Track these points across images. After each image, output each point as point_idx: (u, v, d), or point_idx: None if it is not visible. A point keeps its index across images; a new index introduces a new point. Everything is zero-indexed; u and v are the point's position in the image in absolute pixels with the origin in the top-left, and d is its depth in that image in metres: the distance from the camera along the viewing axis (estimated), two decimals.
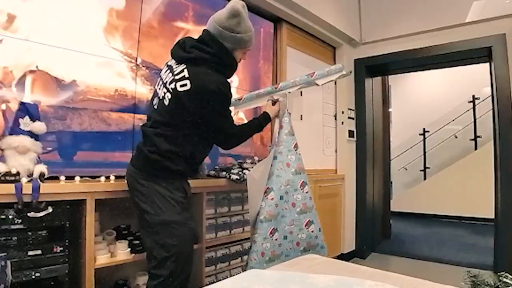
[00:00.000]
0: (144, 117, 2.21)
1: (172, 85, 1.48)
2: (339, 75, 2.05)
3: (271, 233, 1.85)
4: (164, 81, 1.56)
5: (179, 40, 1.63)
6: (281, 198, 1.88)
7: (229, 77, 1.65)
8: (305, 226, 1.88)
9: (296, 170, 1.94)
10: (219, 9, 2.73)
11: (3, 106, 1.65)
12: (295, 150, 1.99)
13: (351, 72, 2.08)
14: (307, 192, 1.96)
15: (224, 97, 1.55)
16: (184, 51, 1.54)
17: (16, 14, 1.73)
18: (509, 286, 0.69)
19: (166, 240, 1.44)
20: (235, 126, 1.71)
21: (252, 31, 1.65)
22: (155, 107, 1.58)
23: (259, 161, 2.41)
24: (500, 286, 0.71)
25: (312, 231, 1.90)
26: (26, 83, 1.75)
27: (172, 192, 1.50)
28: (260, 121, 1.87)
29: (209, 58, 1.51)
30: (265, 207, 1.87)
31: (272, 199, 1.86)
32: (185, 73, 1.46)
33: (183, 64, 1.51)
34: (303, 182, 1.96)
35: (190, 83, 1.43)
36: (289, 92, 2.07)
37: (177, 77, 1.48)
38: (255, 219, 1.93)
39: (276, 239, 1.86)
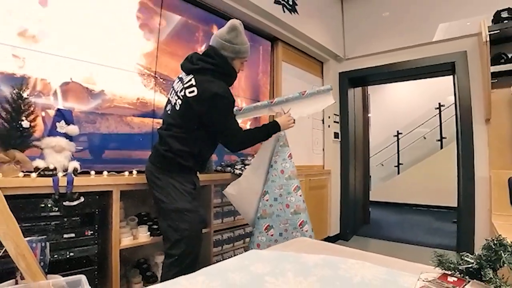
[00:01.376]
0: (161, 120, 2.22)
1: (182, 93, 1.51)
2: (327, 96, 1.96)
3: (266, 228, 1.87)
4: (176, 90, 1.58)
5: (187, 56, 1.63)
6: (275, 199, 1.86)
7: (229, 85, 1.63)
8: (299, 225, 1.83)
9: (290, 176, 1.88)
10: None
11: (43, 113, 1.65)
12: (290, 159, 1.92)
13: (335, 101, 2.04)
14: (300, 195, 1.88)
15: (226, 100, 1.53)
16: (191, 63, 1.56)
17: (53, 35, 1.73)
18: (469, 264, 0.68)
19: (179, 225, 1.46)
20: (239, 127, 1.64)
21: (248, 44, 1.64)
22: (169, 112, 1.61)
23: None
24: (461, 264, 0.70)
25: (306, 231, 1.83)
26: (62, 92, 1.75)
27: (184, 184, 1.52)
28: (269, 128, 1.79)
29: (213, 68, 1.53)
30: (261, 206, 1.89)
31: (267, 200, 1.87)
32: (193, 82, 1.49)
33: (191, 75, 1.53)
34: (296, 186, 1.88)
35: (197, 89, 1.46)
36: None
37: (186, 85, 1.50)
38: (252, 221, 1.97)
39: (272, 235, 1.86)
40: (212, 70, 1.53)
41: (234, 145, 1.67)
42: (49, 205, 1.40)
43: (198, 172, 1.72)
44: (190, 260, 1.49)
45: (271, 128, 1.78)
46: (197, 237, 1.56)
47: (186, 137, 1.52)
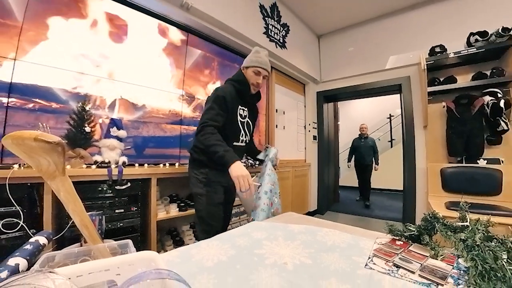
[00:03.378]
0: (187, 127, 2.21)
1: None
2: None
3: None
4: None
5: None
6: (266, 193, 1.36)
7: (238, 90, 1.35)
8: None
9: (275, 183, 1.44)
10: (235, 61, 2.72)
11: (100, 121, 1.65)
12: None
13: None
14: (279, 204, 1.45)
15: (214, 92, 1.30)
16: None
17: (110, 65, 1.73)
18: (411, 232, 0.68)
19: (196, 206, 1.36)
20: (207, 122, 1.21)
21: (262, 58, 1.38)
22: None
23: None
24: (406, 231, 0.70)
25: None
26: (115, 106, 1.75)
27: (197, 174, 1.35)
28: (222, 157, 1.14)
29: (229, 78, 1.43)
30: (255, 199, 1.40)
31: (259, 187, 1.39)
32: None
33: None
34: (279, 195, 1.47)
35: None
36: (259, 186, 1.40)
37: None
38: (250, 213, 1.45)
39: None
40: (228, 79, 1.42)
41: (196, 133, 1.27)
42: (104, 189, 1.41)
43: (218, 168, 1.28)
44: (208, 232, 1.25)
45: (222, 159, 1.14)
46: (211, 217, 1.32)
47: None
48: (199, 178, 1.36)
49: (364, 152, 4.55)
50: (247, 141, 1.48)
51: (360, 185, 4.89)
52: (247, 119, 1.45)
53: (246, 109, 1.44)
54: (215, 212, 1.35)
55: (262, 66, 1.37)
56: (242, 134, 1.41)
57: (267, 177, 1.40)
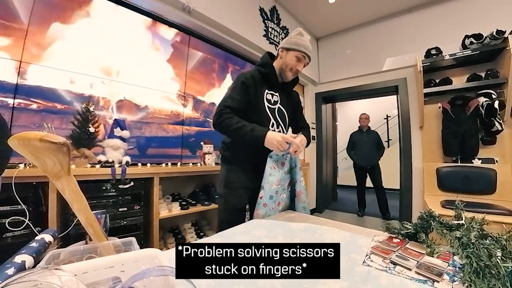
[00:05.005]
0: (188, 127, 2.21)
1: None
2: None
3: None
4: None
5: None
6: (271, 197, 1.05)
7: (264, 73, 1.10)
8: None
9: (288, 170, 1.12)
10: (235, 63, 2.71)
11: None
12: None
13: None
14: (289, 191, 1.17)
15: (236, 78, 1.09)
16: None
17: (113, 67, 1.73)
18: (408, 230, 0.68)
19: (218, 205, 1.17)
20: (225, 106, 1.01)
21: (308, 45, 1.10)
22: None
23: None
24: (402, 229, 0.70)
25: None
26: (118, 107, 1.75)
27: (221, 171, 1.17)
28: (251, 135, 0.96)
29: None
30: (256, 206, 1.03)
31: (261, 197, 1.04)
32: None
33: None
34: (290, 181, 1.16)
35: None
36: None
37: None
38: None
39: None
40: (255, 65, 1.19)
41: (213, 120, 1.04)
42: (108, 188, 1.41)
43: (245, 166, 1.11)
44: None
45: (252, 138, 0.97)
46: (228, 223, 0.98)
47: None
48: (220, 176, 1.17)
49: (367, 150, 3.37)
50: (283, 133, 1.16)
51: (359, 194, 3.71)
52: (278, 105, 1.14)
53: (277, 94, 1.14)
54: (232, 219, 1.04)
55: (308, 52, 1.11)
56: (273, 124, 1.10)
57: (269, 179, 1.04)
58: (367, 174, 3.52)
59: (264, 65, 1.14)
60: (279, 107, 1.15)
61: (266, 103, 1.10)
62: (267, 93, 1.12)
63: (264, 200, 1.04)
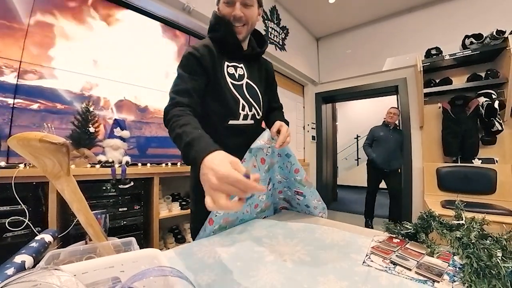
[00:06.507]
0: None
1: None
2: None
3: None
4: None
5: None
6: (246, 200, 0.75)
7: (217, 39, 0.81)
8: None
9: (268, 168, 0.89)
10: None
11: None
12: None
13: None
14: (270, 190, 0.95)
15: (182, 56, 0.77)
16: None
17: (113, 67, 1.73)
18: (408, 230, 0.68)
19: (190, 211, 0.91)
20: (173, 95, 0.71)
21: None
22: None
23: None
24: (403, 229, 0.70)
25: None
26: (118, 107, 1.75)
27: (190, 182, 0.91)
28: (187, 145, 0.55)
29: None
30: (222, 214, 0.77)
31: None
32: None
33: None
34: (270, 178, 0.93)
35: None
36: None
37: None
38: None
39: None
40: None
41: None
42: (108, 188, 1.41)
43: None
44: None
45: (187, 157, 0.55)
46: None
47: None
48: (190, 188, 0.89)
49: (391, 150, 2.84)
50: (258, 116, 0.86)
51: (368, 199, 3.16)
52: (245, 80, 0.84)
53: (241, 65, 0.84)
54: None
55: None
56: (243, 106, 0.81)
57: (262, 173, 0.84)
58: (383, 178, 2.99)
59: (213, 27, 0.82)
60: (247, 82, 0.84)
61: (228, 79, 0.80)
62: (228, 66, 0.81)
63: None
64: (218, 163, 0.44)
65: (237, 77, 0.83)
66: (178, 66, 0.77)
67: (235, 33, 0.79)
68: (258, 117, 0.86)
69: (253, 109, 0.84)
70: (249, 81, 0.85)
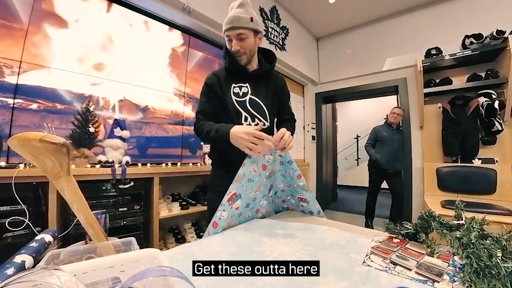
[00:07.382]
0: (189, 127, 2.21)
1: None
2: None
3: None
4: None
5: None
6: (247, 206, 0.89)
7: (226, 67, 1.03)
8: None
9: (269, 174, 0.96)
10: None
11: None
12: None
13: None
14: (271, 196, 1.02)
15: (203, 85, 1.04)
16: None
17: (114, 67, 1.73)
18: (408, 230, 0.68)
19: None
20: (198, 115, 1.01)
21: (229, 16, 0.94)
22: None
23: None
24: (403, 229, 0.70)
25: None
26: (118, 107, 1.75)
27: (210, 176, 1.12)
28: (219, 135, 0.88)
29: None
30: (226, 217, 0.82)
31: (237, 208, 0.85)
32: None
33: None
34: (271, 185, 1.01)
35: None
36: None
37: None
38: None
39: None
40: None
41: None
42: (108, 188, 1.41)
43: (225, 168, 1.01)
44: None
45: (219, 137, 0.88)
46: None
47: None
48: (209, 179, 1.10)
49: (394, 151, 2.81)
50: (264, 126, 1.02)
51: (369, 200, 3.13)
52: (249, 96, 1.01)
53: (245, 84, 1.02)
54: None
55: (226, 26, 0.95)
56: (246, 117, 0.99)
57: (248, 184, 0.86)
58: (385, 179, 2.95)
59: (224, 57, 1.04)
60: (250, 98, 1.01)
61: (233, 97, 1.00)
62: (234, 87, 1.02)
63: (240, 210, 0.86)
64: (240, 129, 0.82)
65: (241, 94, 1.02)
66: (201, 92, 1.05)
67: (237, 61, 1.01)
68: (264, 126, 1.01)
69: (256, 120, 1.02)
70: (252, 96, 1.03)
